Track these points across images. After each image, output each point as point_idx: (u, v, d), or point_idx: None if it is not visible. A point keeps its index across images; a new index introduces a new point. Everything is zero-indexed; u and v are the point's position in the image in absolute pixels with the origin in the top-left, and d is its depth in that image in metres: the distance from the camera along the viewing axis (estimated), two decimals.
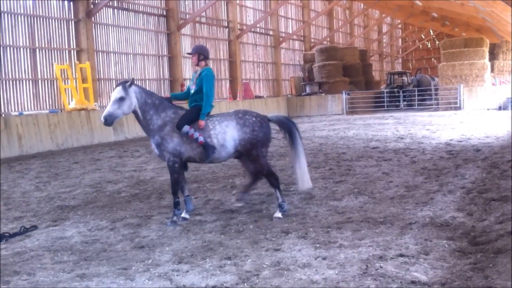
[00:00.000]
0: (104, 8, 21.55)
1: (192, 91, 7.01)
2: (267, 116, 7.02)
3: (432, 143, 13.69)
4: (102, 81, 21.99)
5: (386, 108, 30.77)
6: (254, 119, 6.81)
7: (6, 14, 17.98)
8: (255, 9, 34.67)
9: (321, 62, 34.48)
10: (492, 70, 31.25)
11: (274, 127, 7.18)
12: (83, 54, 20.48)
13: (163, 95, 7.12)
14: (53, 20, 19.77)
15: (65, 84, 19.63)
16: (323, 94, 33.00)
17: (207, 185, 9.36)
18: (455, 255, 4.98)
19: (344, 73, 34.75)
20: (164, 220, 6.90)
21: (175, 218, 6.71)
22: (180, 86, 24.98)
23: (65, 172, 12.01)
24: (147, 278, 4.78)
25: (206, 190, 8.90)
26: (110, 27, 22.46)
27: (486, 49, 29.59)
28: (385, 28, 61.53)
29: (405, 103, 31.20)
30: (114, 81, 21.92)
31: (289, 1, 37.89)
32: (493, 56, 32.53)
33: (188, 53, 7.39)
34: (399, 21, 61.36)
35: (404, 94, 31.79)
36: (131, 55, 23.64)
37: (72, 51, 20.47)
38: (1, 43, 17.69)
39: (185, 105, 7.30)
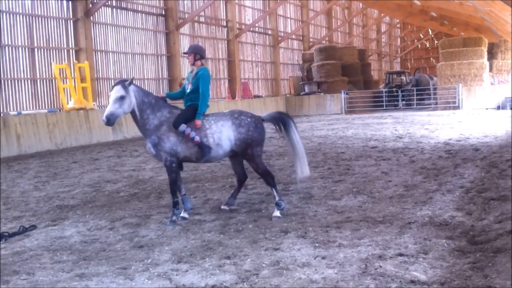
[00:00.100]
0: (102, 7, 21.53)
1: (188, 91, 7.01)
2: (261, 116, 7.09)
3: (431, 143, 13.71)
4: (101, 80, 21.97)
5: (384, 108, 30.78)
6: (249, 119, 6.88)
7: (4, 14, 17.96)
8: (253, 9, 34.67)
9: (320, 61, 34.49)
10: (491, 69, 31.30)
11: (272, 126, 7.22)
12: (82, 53, 20.46)
13: (158, 94, 7.09)
14: (52, 19, 19.75)
15: (63, 83, 19.61)
16: (321, 93, 33.02)
17: (206, 185, 9.36)
18: (454, 255, 4.99)
19: (343, 72, 34.77)
20: (163, 220, 6.90)
21: (174, 218, 6.71)
22: (179, 85, 24.98)
23: (64, 171, 12.00)
24: (146, 277, 4.78)
25: (205, 190, 8.90)
26: (108, 26, 22.45)
27: (484, 49, 29.63)
28: (384, 28, 61.55)
29: (403, 102, 31.23)
30: (112, 80, 21.91)
31: (288, 0, 37.90)
32: (491, 55, 32.57)
33: (184, 53, 7.39)
34: (398, 21, 61.41)
35: (403, 93, 31.82)
36: (130, 55, 23.63)
37: (70, 50, 20.45)
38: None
39: (180, 104, 7.30)
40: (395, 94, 31.84)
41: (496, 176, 8.55)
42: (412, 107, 30.55)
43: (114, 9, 22.74)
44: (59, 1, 20.02)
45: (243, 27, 32.28)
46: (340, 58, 35.30)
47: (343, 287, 4.33)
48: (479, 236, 5.43)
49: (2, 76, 17.81)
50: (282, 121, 7.01)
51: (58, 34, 20.00)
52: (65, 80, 19.73)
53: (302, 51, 39.73)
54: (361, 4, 49.52)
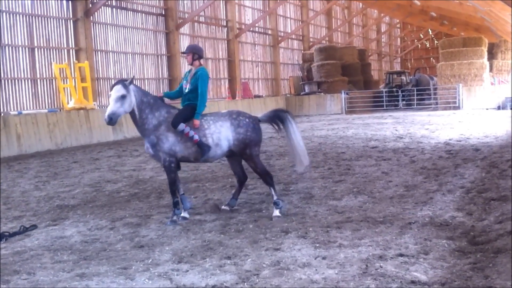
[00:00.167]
0: (102, 7, 21.53)
1: (186, 90, 7.03)
2: (258, 117, 7.19)
3: (431, 143, 13.71)
4: (101, 80, 21.97)
5: (385, 108, 30.78)
6: (247, 120, 6.96)
7: (4, 13, 17.96)
8: (253, 9, 34.66)
9: (320, 61, 34.49)
10: (491, 69, 31.29)
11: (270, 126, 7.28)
12: (82, 53, 20.46)
13: (156, 94, 7.11)
14: (52, 19, 19.75)
15: (64, 83, 19.61)
16: (322, 93, 33.02)
17: (206, 185, 9.36)
18: (454, 255, 4.99)
19: (343, 72, 34.76)
20: (163, 220, 6.90)
21: (174, 218, 6.71)
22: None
23: (64, 171, 12.00)
24: (147, 277, 4.78)
25: (206, 190, 8.91)
26: (108, 26, 22.44)
27: (484, 49, 29.62)
28: (383, 28, 61.56)
29: (404, 102, 31.22)
30: (113, 80, 21.90)
31: (288, 0, 37.89)
32: (491, 55, 32.56)
33: (182, 53, 7.40)
34: (398, 21, 61.40)
35: (403, 93, 31.81)
36: (130, 54, 23.63)
37: (71, 50, 20.45)
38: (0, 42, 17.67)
39: (177, 104, 7.30)
40: (395, 94, 31.83)
41: (496, 176, 8.55)
42: (412, 107, 30.55)
43: (114, 9, 22.74)
44: (59, 1, 20.01)
45: (243, 27, 32.28)
46: (340, 58, 35.30)
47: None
48: (480, 237, 5.43)
49: (2, 76, 17.81)
50: (278, 118, 7.10)
51: (58, 34, 20.00)
52: (65, 80, 19.73)
53: (302, 51, 39.73)
54: (361, 4, 49.51)
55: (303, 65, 37.32)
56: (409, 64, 64.94)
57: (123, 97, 6.45)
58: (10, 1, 18.19)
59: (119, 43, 22.99)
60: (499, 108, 26.48)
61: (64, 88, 19.53)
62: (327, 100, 31.70)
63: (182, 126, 6.64)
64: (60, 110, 19.08)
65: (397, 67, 62.01)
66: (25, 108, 18.52)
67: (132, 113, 6.67)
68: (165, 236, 6.13)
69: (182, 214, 6.85)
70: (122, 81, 6.61)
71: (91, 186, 9.88)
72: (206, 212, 7.24)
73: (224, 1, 30.62)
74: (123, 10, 23.22)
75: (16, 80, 18.40)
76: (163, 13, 25.65)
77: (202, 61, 7.29)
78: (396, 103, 31.11)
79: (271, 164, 11.35)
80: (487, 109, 26.85)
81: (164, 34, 25.70)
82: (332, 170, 10.18)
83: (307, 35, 41.34)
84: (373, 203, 7.32)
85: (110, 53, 22.53)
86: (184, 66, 26.15)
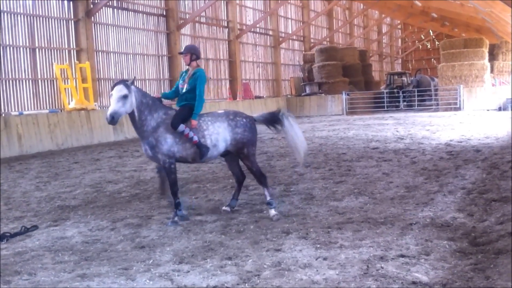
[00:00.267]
0: (103, 7, 21.55)
1: (183, 90, 7.03)
2: (254, 117, 7.26)
3: (432, 144, 13.70)
4: (102, 81, 21.98)
5: (386, 109, 30.78)
6: (244, 120, 7.04)
7: (5, 14, 17.97)
8: (254, 9, 34.67)
9: (321, 62, 34.48)
10: (492, 70, 31.26)
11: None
12: (83, 54, 20.47)
13: (154, 95, 7.11)
14: (53, 19, 19.76)
15: (65, 84, 19.62)
16: (322, 94, 33.01)
17: (207, 185, 9.37)
18: (456, 256, 4.99)
19: (343, 73, 34.75)
20: (164, 220, 6.91)
21: (176, 218, 6.72)
22: None
23: (65, 172, 12.01)
24: (148, 278, 4.79)
25: (207, 190, 8.91)
26: (109, 27, 22.46)
27: (485, 50, 29.60)
28: (384, 29, 61.57)
29: (405, 103, 31.21)
30: (114, 81, 21.90)
31: (289, 1, 37.90)
32: (492, 56, 32.53)
33: (180, 53, 7.42)
34: (399, 22, 61.40)
35: (404, 94, 31.80)
36: (131, 55, 23.64)
37: (72, 51, 20.46)
38: (1, 42, 17.68)
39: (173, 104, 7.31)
40: (396, 95, 31.81)
41: (497, 177, 8.54)
42: (413, 108, 30.53)
43: (115, 10, 22.75)
44: (60, 2, 20.03)
45: (244, 27, 32.28)
46: (341, 59, 35.29)
47: None
48: (481, 238, 5.43)
49: (3, 76, 17.83)
50: (273, 120, 7.19)
51: (59, 34, 20.01)
52: (66, 80, 19.75)
53: (303, 52, 39.73)
54: (362, 5, 49.53)
55: (304, 66, 37.32)
56: (410, 65, 64.91)
57: (125, 97, 6.43)
58: (11, 2, 18.21)
59: (120, 43, 23.00)
60: (500, 109, 26.45)
61: (65, 89, 19.54)
62: (328, 101, 31.70)
63: (182, 127, 6.65)
64: (61, 111, 19.09)
65: (398, 68, 62.01)
66: (26, 109, 18.53)
67: (131, 114, 6.64)
68: (166, 236, 6.13)
69: (178, 214, 6.85)
70: (124, 81, 6.60)
71: (92, 186, 9.89)
72: (207, 213, 7.24)
73: (225, 2, 30.64)
74: (124, 11, 23.23)
75: (17, 81, 18.42)
76: (164, 13, 25.66)
77: (200, 61, 7.31)
78: (397, 104, 31.10)
79: (272, 165, 11.36)
80: (488, 110, 26.83)
81: (165, 34, 25.71)
82: (333, 171, 10.18)
83: (308, 36, 41.35)
84: (374, 204, 7.32)
85: (111, 53, 22.54)
86: (185, 67, 26.16)
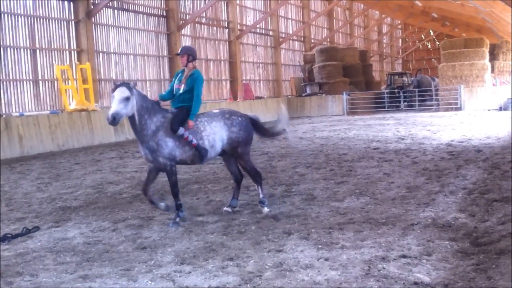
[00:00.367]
0: (104, 8, 21.56)
1: (180, 91, 7.01)
2: (249, 116, 7.39)
3: (433, 144, 13.70)
4: (103, 81, 21.98)
5: (386, 109, 30.78)
6: (240, 119, 7.11)
7: (6, 15, 17.99)
8: (255, 10, 34.67)
9: (321, 62, 34.46)
10: (493, 70, 31.25)
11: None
12: (84, 54, 20.48)
13: (152, 97, 7.10)
14: (54, 20, 19.78)
15: (65, 84, 19.63)
16: (323, 94, 32.99)
17: (208, 186, 9.37)
18: (457, 256, 4.99)
19: (344, 73, 34.72)
20: (166, 221, 6.91)
21: (177, 220, 6.72)
22: None
23: (66, 173, 12.01)
24: (149, 279, 4.79)
25: (208, 191, 8.91)
26: (110, 27, 22.47)
27: (486, 50, 29.59)
28: (385, 29, 61.56)
29: (405, 103, 31.20)
30: (114, 81, 21.85)
31: (289, 1, 37.89)
32: (493, 56, 32.52)
33: (177, 54, 7.42)
34: (399, 22, 61.41)
35: (405, 94, 31.80)
36: (132, 56, 23.65)
37: (72, 51, 20.47)
38: (1, 43, 17.69)
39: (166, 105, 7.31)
40: (397, 95, 31.80)
41: (498, 177, 8.54)
42: (414, 108, 30.53)
43: (116, 10, 22.76)
44: (60, 2, 20.04)
45: (244, 28, 32.28)
46: (342, 59, 35.27)
47: None
48: (482, 238, 5.43)
49: (4, 77, 17.84)
50: (271, 136, 7.82)
51: (60, 35, 20.03)
52: (67, 81, 19.76)
53: (304, 52, 39.71)
54: (362, 5, 49.52)
55: (304, 66, 37.31)
56: (410, 65, 64.88)
57: (127, 99, 6.39)
58: (12, 2, 18.22)
59: (120, 44, 23.01)
60: (500, 109, 26.45)
61: (65, 90, 19.55)
62: (328, 101, 31.69)
63: (181, 130, 6.68)
64: (62, 112, 19.08)
65: (399, 68, 62.02)
66: (27, 110, 18.55)
67: (132, 118, 6.57)
68: (167, 237, 6.14)
69: (161, 207, 6.97)
70: (126, 83, 6.58)
71: (93, 187, 9.89)
72: (208, 214, 7.25)
73: (225, 2, 30.65)
74: (124, 12, 23.24)
75: (18, 82, 18.43)
76: (165, 14, 25.66)
77: (196, 62, 7.33)
78: (397, 104, 31.08)
79: (273, 165, 11.36)
80: (488, 110, 26.83)
81: (166, 35, 25.71)
82: (334, 172, 10.18)
83: (308, 36, 41.35)
84: (375, 204, 7.32)
85: (112, 54, 22.55)
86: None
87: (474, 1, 22.81)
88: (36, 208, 8.27)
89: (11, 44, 18.17)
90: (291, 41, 39.07)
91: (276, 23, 36.23)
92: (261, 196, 7.09)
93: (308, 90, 34.63)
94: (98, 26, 21.73)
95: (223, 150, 7.07)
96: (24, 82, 18.68)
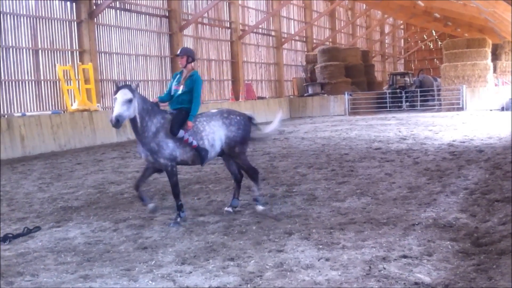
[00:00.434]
0: (106, 9, 21.57)
1: (179, 92, 7.01)
2: (247, 114, 7.41)
3: (435, 144, 13.68)
4: (105, 82, 22.01)
5: (388, 109, 30.75)
6: (238, 118, 7.14)
7: (8, 15, 18.02)
8: (257, 10, 34.68)
9: (323, 62, 34.46)
10: (495, 70, 31.21)
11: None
12: (86, 55, 20.50)
13: (152, 99, 7.10)
14: (56, 21, 19.80)
15: (67, 85, 19.66)
16: (325, 95, 32.99)
17: (209, 186, 9.37)
18: (458, 256, 4.98)
19: (346, 73, 34.72)
20: (166, 221, 6.91)
21: (178, 220, 6.73)
22: None
23: (68, 173, 12.03)
24: (150, 279, 4.79)
25: (209, 191, 8.91)
26: (112, 28, 22.49)
27: (488, 50, 29.56)
28: (387, 29, 61.52)
29: (407, 104, 31.17)
30: (116, 82, 21.87)
31: (291, 1, 37.89)
32: (495, 56, 32.48)
33: (176, 55, 7.43)
34: (401, 22, 61.38)
35: (407, 95, 31.77)
36: (134, 56, 23.67)
37: (74, 52, 20.50)
38: (3, 44, 17.72)
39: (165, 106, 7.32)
40: (399, 95, 31.77)
41: (500, 177, 8.53)
42: (415, 108, 30.50)
43: (118, 11, 22.78)
44: (62, 3, 20.06)
45: (246, 28, 32.29)
46: (344, 59, 35.26)
47: None
48: (483, 238, 5.42)
49: (6, 77, 17.87)
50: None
51: (62, 35, 20.05)
52: (69, 81, 19.79)
53: (306, 52, 39.71)
54: (364, 5, 49.49)
55: (306, 66, 37.30)
56: (412, 65, 64.88)
57: (129, 101, 6.36)
58: (13, 3, 18.25)
59: (122, 44, 23.03)
60: (502, 109, 26.39)
61: (67, 90, 19.58)
62: (330, 102, 31.68)
63: (181, 132, 6.70)
64: (64, 112, 19.11)
65: (401, 68, 61.96)
66: (29, 110, 18.57)
67: (133, 120, 6.55)
68: (168, 237, 6.14)
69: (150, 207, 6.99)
70: (128, 85, 6.57)
71: (94, 187, 9.90)
72: (209, 214, 7.25)
73: (227, 3, 30.65)
74: (126, 12, 23.27)
75: (20, 82, 18.46)
76: (167, 14, 25.69)
77: (194, 63, 7.35)
78: (399, 104, 31.06)
79: (275, 165, 11.35)
80: (490, 110, 26.78)
81: (168, 35, 25.73)
82: (336, 172, 10.17)
83: (310, 36, 41.34)
84: (376, 204, 7.32)
85: (114, 54, 22.57)
86: None
87: (477, 1, 22.79)
88: (37, 208, 8.28)
89: (13, 45, 18.20)
90: (293, 41, 39.07)
91: (278, 23, 36.23)
92: (257, 193, 7.16)
93: (310, 90, 34.63)
94: (100, 26, 21.75)
95: (222, 150, 7.09)
96: (26, 83, 18.71)
